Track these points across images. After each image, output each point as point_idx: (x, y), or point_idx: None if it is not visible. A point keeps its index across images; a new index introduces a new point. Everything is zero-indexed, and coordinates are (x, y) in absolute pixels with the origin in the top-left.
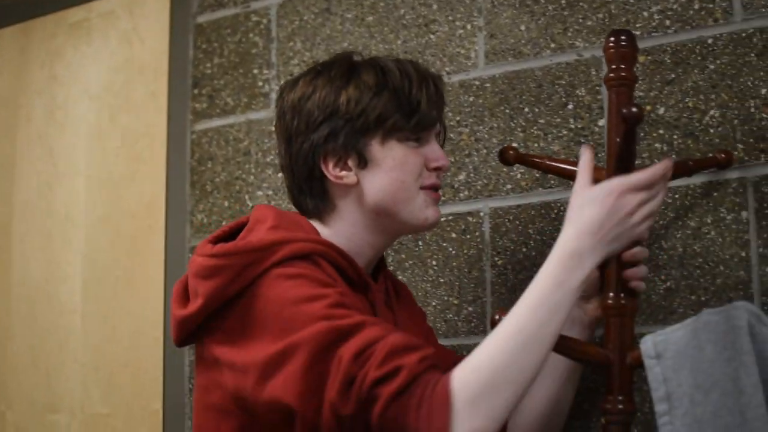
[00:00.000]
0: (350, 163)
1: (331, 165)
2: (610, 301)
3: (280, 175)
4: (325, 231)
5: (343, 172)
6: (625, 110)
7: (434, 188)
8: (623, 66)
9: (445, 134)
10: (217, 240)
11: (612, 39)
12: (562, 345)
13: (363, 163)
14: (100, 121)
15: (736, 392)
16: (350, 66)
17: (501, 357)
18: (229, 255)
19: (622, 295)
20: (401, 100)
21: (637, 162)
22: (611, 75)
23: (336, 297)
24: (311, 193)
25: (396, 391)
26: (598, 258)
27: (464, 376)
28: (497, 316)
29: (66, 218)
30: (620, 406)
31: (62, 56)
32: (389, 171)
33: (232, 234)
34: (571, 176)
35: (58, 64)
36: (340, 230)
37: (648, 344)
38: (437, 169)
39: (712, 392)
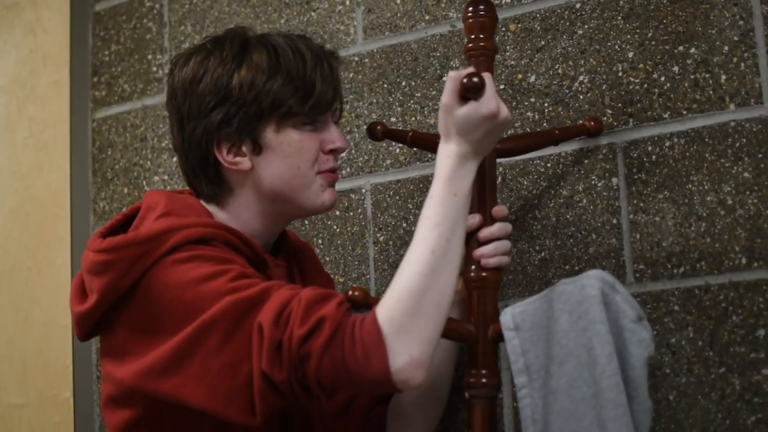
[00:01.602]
0: (244, 149)
1: (224, 151)
2: (471, 274)
3: (175, 159)
4: (220, 214)
5: (238, 158)
6: (465, 80)
7: (331, 171)
8: (482, 36)
9: (341, 111)
10: (109, 231)
11: (471, 9)
12: None
13: (258, 149)
14: (9, 113)
15: (590, 362)
16: (242, 45)
17: (419, 280)
18: (118, 248)
19: (482, 267)
20: (296, 82)
21: (510, 132)
22: (470, 45)
23: (237, 270)
24: (206, 178)
25: (326, 342)
26: (479, 158)
27: (388, 309)
28: (350, 293)
29: None
30: (484, 380)
31: None
32: (285, 157)
33: (125, 223)
34: (435, 148)
35: None
36: (236, 213)
37: (507, 316)
38: (334, 151)
39: (566, 363)
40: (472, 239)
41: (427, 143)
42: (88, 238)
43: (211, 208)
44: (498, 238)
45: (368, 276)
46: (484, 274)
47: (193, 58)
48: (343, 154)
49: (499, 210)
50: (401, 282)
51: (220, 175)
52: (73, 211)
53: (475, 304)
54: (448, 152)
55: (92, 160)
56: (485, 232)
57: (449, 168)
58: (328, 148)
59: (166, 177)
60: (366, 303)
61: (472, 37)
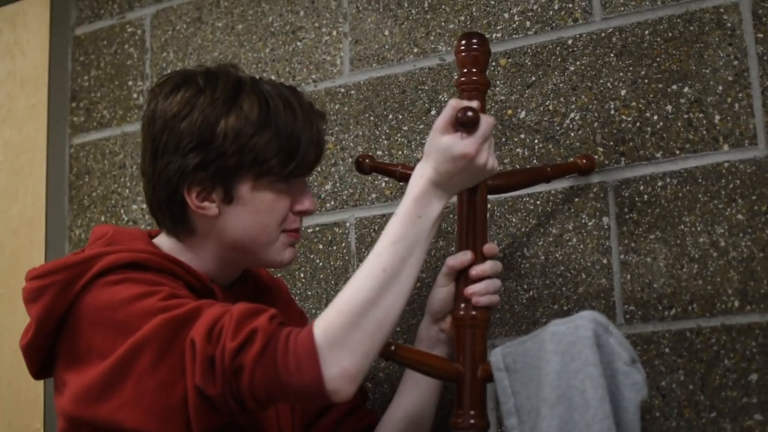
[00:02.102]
0: (215, 196)
1: (194, 195)
2: (461, 312)
3: None
4: (176, 247)
5: (206, 203)
6: (459, 114)
7: (296, 231)
8: (474, 70)
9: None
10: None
11: (463, 42)
12: (410, 359)
13: (228, 199)
14: None
15: (582, 405)
16: (234, 89)
17: (364, 295)
18: (49, 273)
19: (472, 306)
20: (281, 141)
21: (500, 168)
22: (462, 79)
23: (167, 290)
24: (170, 214)
25: (258, 353)
26: (449, 192)
27: (327, 320)
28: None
29: None
30: (471, 421)
31: None
32: (254, 213)
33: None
34: None
35: None
36: (194, 252)
37: (497, 356)
38: (302, 212)
39: (558, 405)
40: (462, 277)
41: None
42: None
43: (168, 240)
44: (488, 277)
45: None
46: (473, 312)
47: (182, 91)
48: (327, 187)
49: (490, 248)
50: (346, 295)
51: (185, 214)
52: (48, 237)
53: (464, 344)
54: (422, 172)
55: (69, 187)
56: (477, 270)
57: (419, 189)
58: (297, 209)
59: (144, 206)
60: None
61: (465, 71)
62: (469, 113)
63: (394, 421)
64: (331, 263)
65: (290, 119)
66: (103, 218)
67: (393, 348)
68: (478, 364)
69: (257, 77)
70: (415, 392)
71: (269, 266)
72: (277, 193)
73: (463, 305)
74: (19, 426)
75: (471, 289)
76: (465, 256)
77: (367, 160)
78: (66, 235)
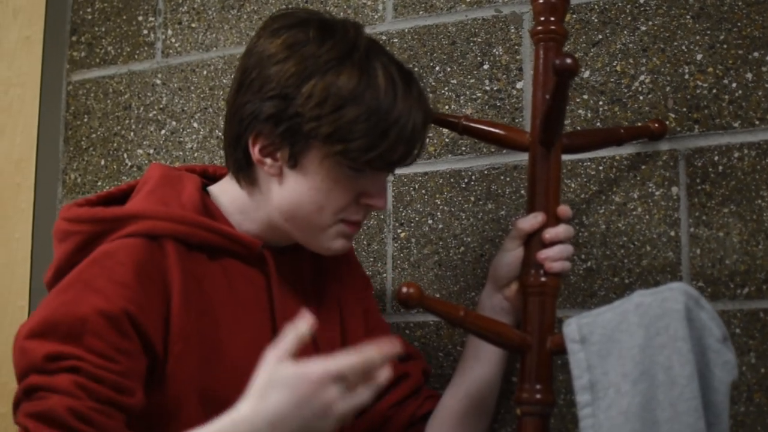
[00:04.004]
0: (279, 155)
1: (259, 145)
2: (530, 278)
3: (162, 132)
4: (235, 194)
5: (269, 159)
6: (557, 61)
7: (356, 223)
8: (553, 18)
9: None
10: (98, 201)
11: None
12: (476, 325)
13: (293, 163)
14: None
15: (667, 383)
16: (342, 52)
17: None
18: (79, 221)
19: (542, 272)
20: (368, 126)
21: (567, 128)
22: (539, 28)
23: (90, 342)
24: (234, 156)
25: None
26: None
27: None
28: (405, 289)
29: None
30: (538, 396)
31: None
32: (312, 189)
33: (122, 196)
34: (492, 138)
35: None
36: (249, 206)
37: (572, 327)
38: (369, 206)
39: (640, 382)
40: (533, 240)
41: (483, 133)
42: (54, 211)
43: (229, 185)
44: (562, 241)
45: (384, 274)
46: (543, 279)
47: (288, 34)
48: None
49: (565, 210)
50: None
51: (248, 161)
52: (38, 180)
53: (533, 313)
54: (243, 416)
55: (65, 127)
56: (551, 233)
57: None
58: (364, 201)
59: (151, 150)
60: (421, 300)
61: (542, 19)
62: (568, 60)
63: (454, 403)
64: (364, 222)
65: (388, 105)
66: (103, 162)
67: (462, 314)
68: (547, 335)
69: (379, 46)
70: (477, 368)
71: (316, 250)
72: (345, 178)
73: (533, 271)
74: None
75: (544, 253)
76: (537, 219)
77: None
78: (59, 179)
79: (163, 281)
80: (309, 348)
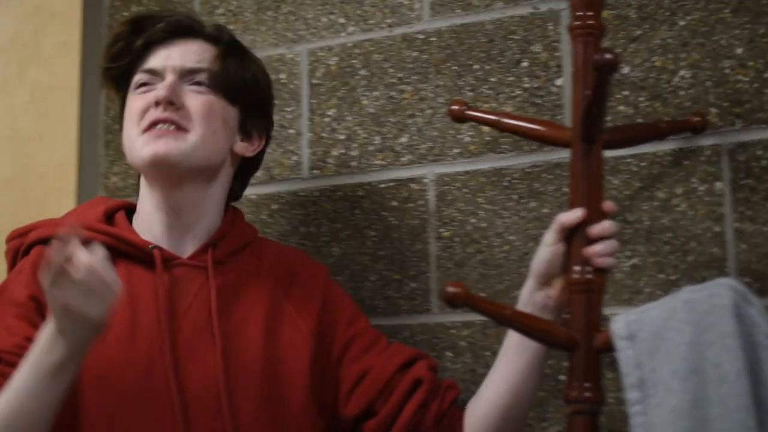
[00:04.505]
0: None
1: None
2: (575, 276)
3: None
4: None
5: None
6: (597, 56)
7: (153, 124)
8: (590, 13)
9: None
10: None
11: None
12: (523, 323)
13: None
14: (7, 75)
15: (717, 380)
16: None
17: None
18: (9, 239)
19: (588, 268)
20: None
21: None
22: (577, 23)
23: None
24: None
25: None
26: (75, 340)
27: None
28: (451, 289)
29: None
30: (587, 394)
31: None
32: (125, 124)
33: None
34: (532, 136)
35: None
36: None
37: (620, 324)
38: (157, 104)
39: (689, 379)
40: (576, 236)
41: (524, 130)
42: None
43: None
44: (607, 237)
45: (429, 274)
46: (589, 276)
47: None
48: (403, 139)
49: (609, 205)
50: None
51: None
52: (80, 185)
53: (579, 310)
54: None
55: (104, 131)
56: (598, 228)
57: (41, 335)
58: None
59: None
60: (467, 300)
61: (579, 14)
62: (608, 55)
63: (492, 400)
64: (406, 221)
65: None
66: None
67: (509, 313)
68: (594, 333)
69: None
70: (517, 364)
71: (145, 172)
72: (133, 96)
73: (577, 268)
74: None
75: (592, 249)
76: (577, 213)
77: (462, 107)
78: (100, 183)
79: None
80: (207, 337)
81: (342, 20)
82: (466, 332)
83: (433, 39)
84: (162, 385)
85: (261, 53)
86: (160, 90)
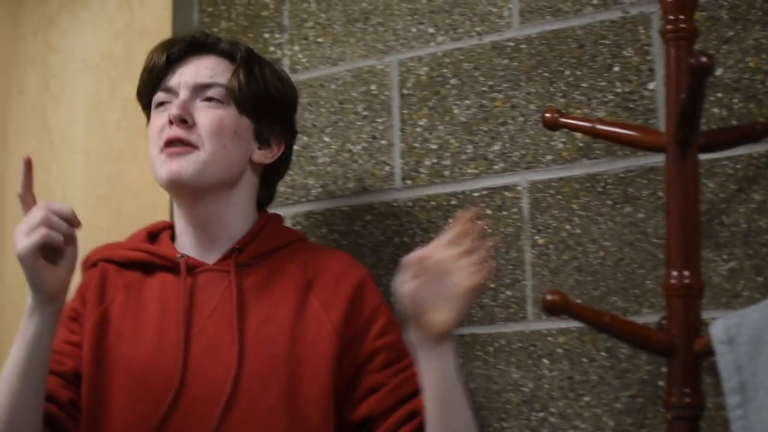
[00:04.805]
0: None
1: None
2: (672, 281)
3: (294, 147)
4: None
5: None
6: (693, 60)
7: (168, 144)
8: (682, 17)
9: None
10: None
11: None
12: (621, 330)
13: None
14: (99, 92)
15: None
16: None
17: None
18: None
19: (686, 273)
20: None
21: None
22: (669, 27)
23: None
24: None
25: None
26: (42, 312)
27: None
28: (549, 297)
29: (63, 197)
30: (687, 400)
31: (57, 23)
32: (148, 144)
33: None
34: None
35: (52, 31)
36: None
37: (719, 328)
38: (171, 122)
39: None
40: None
41: (617, 135)
42: None
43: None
44: None
45: (524, 282)
46: (687, 281)
47: None
48: (496, 147)
49: None
50: None
51: None
52: (173, 202)
53: (677, 315)
54: None
55: None
56: None
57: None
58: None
59: (291, 171)
60: (566, 307)
61: (671, 17)
62: (703, 58)
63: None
64: (500, 229)
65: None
66: None
67: (608, 319)
68: (693, 338)
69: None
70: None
71: (168, 190)
72: (153, 115)
73: (674, 272)
74: None
75: None
76: None
77: (555, 115)
78: None
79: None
80: (229, 337)
81: (431, 30)
82: (563, 339)
83: (523, 46)
84: (174, 381)
85: (351, 65)
86: (172, 109)
